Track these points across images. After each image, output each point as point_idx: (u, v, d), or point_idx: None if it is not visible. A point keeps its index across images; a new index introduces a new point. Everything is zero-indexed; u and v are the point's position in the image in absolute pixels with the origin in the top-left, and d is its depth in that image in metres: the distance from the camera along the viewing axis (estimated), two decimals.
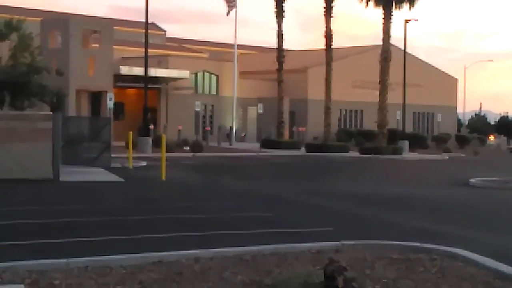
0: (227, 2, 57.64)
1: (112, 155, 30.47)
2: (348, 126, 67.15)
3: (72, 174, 24.99)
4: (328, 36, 52.75)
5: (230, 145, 53.69)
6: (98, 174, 26.00)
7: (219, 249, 10.55)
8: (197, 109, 56.92)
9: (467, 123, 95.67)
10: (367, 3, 51.57)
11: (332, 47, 53.22)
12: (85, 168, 27.77)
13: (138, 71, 48.32)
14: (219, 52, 77.52)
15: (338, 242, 11.20)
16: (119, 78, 51.63)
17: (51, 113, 26.93)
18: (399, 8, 51.42)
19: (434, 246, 11.08)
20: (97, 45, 51.71)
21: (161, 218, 14.92)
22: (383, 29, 51.64)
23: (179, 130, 52.18)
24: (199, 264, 9.66)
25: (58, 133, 23.97)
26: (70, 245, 11.34)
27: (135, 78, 50.99)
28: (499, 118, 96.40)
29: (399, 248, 10.99)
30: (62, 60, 46.19)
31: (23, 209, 15.73)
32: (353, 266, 9.32)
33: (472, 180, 27.18)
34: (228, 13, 58.03)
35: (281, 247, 10.80)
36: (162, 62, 56.26)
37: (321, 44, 53.82)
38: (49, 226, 13.47)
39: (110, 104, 44.25)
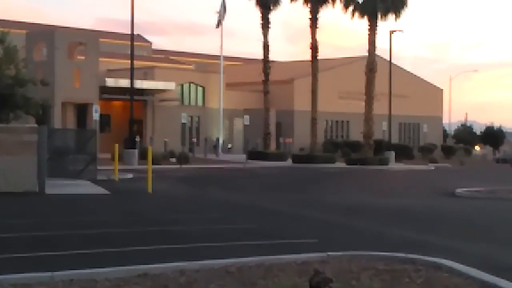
0: (219, 14, 57.59)
1: (98, 168, 30.37)
2: (334, 137, 67.25)
3: (57, 187, 24.89)
4: (314, 47, 52.93)
5: (217, 156, 53.65)
6: (84, 187, 25.91)
7: (205, 261, 10.51)
8: (184, 121, 56.85)
9: (453, 133, 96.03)
10: (353, 14, 51.79)
11: (318, 58, 53.44)
12: (71, 181, 27.65)
13: (124, 83, 48.26)
14: (206, 63, 77.62)
15: (323, 254, 11.20)
16: (105, 90, 51.53)
17: (36, 125, 26.85)
18: (385, 19, 51.65)
19: (419, 256, 11.10)
20: (83, 57, 51.63)
21: (147, 231, 14.88)
22: (368, 40, 51.85)
23: (165, 142, 52.11)
24: (184, 276, 9.63)
25: (43, 146, 23.88)
26: (54, 258, 11.27)
27: (121, 90, 50.90)
28: (484, 128, 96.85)
29: (385, 259, 10.99)
30: (47, 72, 46.07)
31: (7, 222, 15.63)
32: (339, 278, 9.32)
33: (458, 190, 27.28)
34: (217, 26, 57.98)
35: (267, 259, 10.78)
36: (148, 74, 56.21)
37: (308, 55, 54.10)
38: (34, 239, 13.39)
39: (96, 116, 44.11)
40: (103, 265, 10.12)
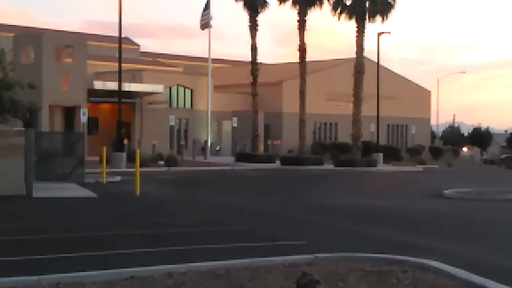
0: (202, 16, 57.56)
1: (86, 171, 30.29)
2: (323, 139, 67.31)
3: (45, 190, 24.80)
4: (302, 50, 53.00)
5: (205, 159, 53.60)
6: (72, 190, 25.84)
7: (192, 264, 10.50)
8: (172, 123, 56.81)
9: (440, 135, 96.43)
10: (340, 16, 51.91)
11: (307, 60, 53.49)
12: (58, 184, 27.56)
13: (112, 85, 48.13)
14: (194, 66, 77.48)
15: (311, 255, 11.20)
16: (92, 92, 51.40)
17: (23, 128, 26.75)
18: (372, 21, 51.79)
19: (406, 257, 11.12)
20: (71, 60, 51.49)
21: (134, 234, 14.85)
22: (356, 42, 51.98)
23: (153, 145, 52.01)
24: (172, 279, 9.61)
25: (31, 149, 23.80)
26: (41, 261, 11.23)
27: (109, 93, 50.77)
28: (472, 129, 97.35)
29: (372, 260, 11.01)
30: (35, 75, 45.88)
31: None
32: (326, 279, 9.33)
33: (445, 191, 27.37)
34: (203, 28, 57.92)
35: (255, 261, 10.77)
36: (136, 76, 56.12)
37: (296, 58, 54.10)
38: (21, 242, 13.35)
39: (83, 119, 44.06)
40: (90, 269, 10.09)
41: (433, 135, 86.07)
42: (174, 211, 20.07)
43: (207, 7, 57.16)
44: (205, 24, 57.70)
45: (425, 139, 76.98)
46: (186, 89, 60.79)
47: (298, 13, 52.79)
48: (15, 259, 11.38)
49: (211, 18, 57.41)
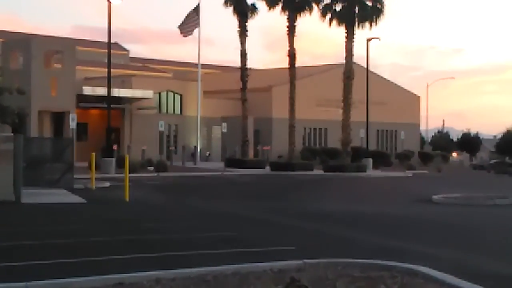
0: (186, 25, 57.39)
1: (75, 176, 30.17)
2: (312, 144, 67.37)
3: (34, 196, 24.70)
4: (292, 55, 53.05)
5: (195, 164, 53.56)
6: (60, 196, 25.74)
7: (181, 270, 10.46)
8: (161, 128, 56.64)
9: (430, 140, 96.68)
10: (330, 22, 51.99)
11: (296, 66, 53.57)
12: (47, 190, 27.44)
13: (101, 91, 48.05)
14: (183, 71, 77.47)
15: (300, 261, 11.18)
16: (82, 98, 51.31)
17: (12, 134, 26.63)
18: (362, 27, 51.87)
19: (395, 263, 11.12)
20: (60, 65, 51.38)
21: (123, 239, 14.80)
22: (346, 48, 52.06)
23: (143, 150, 51.92)
24: (160, 285, 9.59)
25: (19, 155, 23.71)
26: (29, 268, 11.17)
27: (98, 98, 50.70)
28: (461, 135, 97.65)
29: (361, 266, 11.01)
30: (24, 81, 45.80)
31: None
32: (315, 285, 9.32)
33: (435, 197, 27.41)
34: (185, 35, 57.67)
35: (243, 267, 10.75)
36: (125, 82, 56.05)
37: (286, 63, 54.12)
38: (9, 248, 13.28)
39: (73, 124, 43.90)
40: (78, 275, 10.05)
41: (422, 141, 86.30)
42: (163, 217, 20.02)
43: (196, 12, 57.06)
44: (188, 31, 57.50)
45: (415, 144, 77.15)
46: (175, 95, 60.77)
47: (288, 18, 52.86)
48: (2, 265, 11.31)
49: (197, 27, 57.29)
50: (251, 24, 56.72)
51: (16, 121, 36.75)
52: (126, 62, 76.24)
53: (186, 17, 57.52)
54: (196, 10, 57.10)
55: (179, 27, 57.71)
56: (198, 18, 57.14)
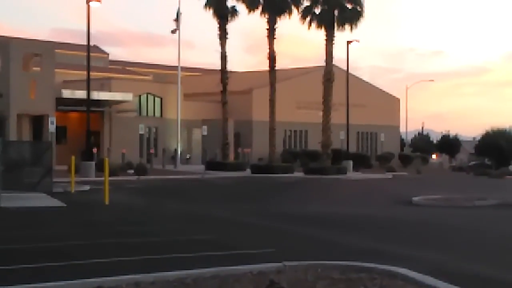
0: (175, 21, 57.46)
1: (55, 180, 29.99)
2: (293, 147, 67.47)
3: (12, 199, 24.53)
4: (272, 58, 53.10)
5: (175, 167, 53.45)
6: (40, 199, 25.58)
7: (160, 273, 10.43)
8: (141, 131, 56.61)
9: (410, 142, 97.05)
10: (310, 25, 52.05)
11: (276, 68, 53.59)
12: (26, 194, 27.26)
13: (81, 94, 47.86)
14: (164, 74, 77.34)
15: (279, 263, 11.16)
16: (61, 101, 51.05)
17: None
18: (341, 29, 51.93)
19: (374, 265, 11.14)
20: (39, 68, 51.11)
21: (102, 243, 14.74)
22: (326, 51, 52.14)
23: (123, 153, 51.77)
24: None
25: None
26: (7, 272, 11.08)
27: (77, 102, 50.48)
28: (441, 136, 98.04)
29: (341, 268, 11.02)
30: (2, 84, 45.54)
31: None
32: (294, 287, 9.31)
33: (415, 198, 27.53)
34: (173, 31, 57.74)
35: (223, 270, 10.73)
36: (105, 85, 55.84)
37: (266, 66, 54.15)
38: None
39: (52, 128, 43.71)
40: (57, 279, 9.99)
41: (402, 143, 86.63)
42: (143, 220, 19.95)
43: (177, 17, 57.06)
44: (173, 30, 57.67)
45: (395, 146, 77.49)
46: (155, 98, 60.66)
47: (268, 21, 52.89)
48: None
49: (178, 29, 57.29)
50: (231, 26, 56.59)
51: None
52: (106, 65, 76.04)
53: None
54: (177, 13, 57.07)
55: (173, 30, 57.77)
56: (178, 21, 57.12)
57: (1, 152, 24.80)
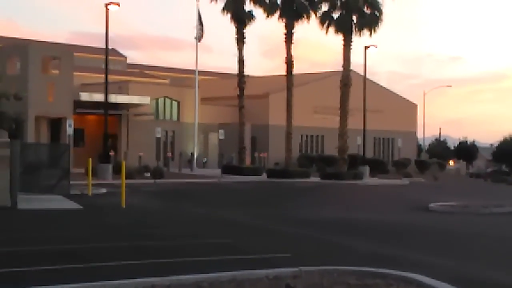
0: (197, 28, 57.68)
1: (72, 182, 30.13)
2: (309, 152, 67.38)
3: (30, 201, 24.68)
4: (289, 62, 53.10)
5: (191, 171, 53.52)
6: (57, 202, 25.71)
7: (177, 277, 10.45)
8: (158, 135, 56.70)
9: (427, 148, 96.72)
10: (328, 30, 52.04)
11: (294, 73, 53.58)
12: (43, 196, 27.42)
13: (99, 97, 48.04)
14: (181, 78, 77.52)
15: (296, 268, 11.16)
16: (79, 104, 51.24)
17: (9, 140, 26.61)
18: (360, 34, 51.89)
19: (390, 271, 11.11)
20: (57, 71, 51.35)
21: (119, 246, 14.79)
22: (343, 56, 52.09)
23: (140, 157, 51.91)
24: None
25: (16, 160, 23.68)
26: (25, 274, 11.16)
27: (95, 105, 50.64)
28: (458, 143, 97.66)
29: (356, 273, 11.00)
30: (21, 87, 45.64)
31: None
32: None
33: (431, 205, 27.42)
34: (199, 40, 58.02)
35: (239, 274, 10.74)
36: (122, 88, 56.01)
37: (283, 70, 54.13)
38: (4, 254, 13.26)
39: (69, 130, 43.86)
40: (75, 281, 10.03)
41: (419, 149, 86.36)
42: (159, 224, 20.00)
43: (200, 21, 57.32)
44: (198, 37, 57.94)
45: (411, 152, 77.22)
46: (173, 101, 60.77)
47: (285, 26, 52.91)
48: None
49: (202, 32, 57.53)
50: (248, 31, 56.85)
51: (13, 127, 36.67)
52: (124, 68, 76.28)
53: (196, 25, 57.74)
54: (199, 17, 57.34)
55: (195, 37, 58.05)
56: (202, 25, 57.39)
57: (19, 154, 24.93)
